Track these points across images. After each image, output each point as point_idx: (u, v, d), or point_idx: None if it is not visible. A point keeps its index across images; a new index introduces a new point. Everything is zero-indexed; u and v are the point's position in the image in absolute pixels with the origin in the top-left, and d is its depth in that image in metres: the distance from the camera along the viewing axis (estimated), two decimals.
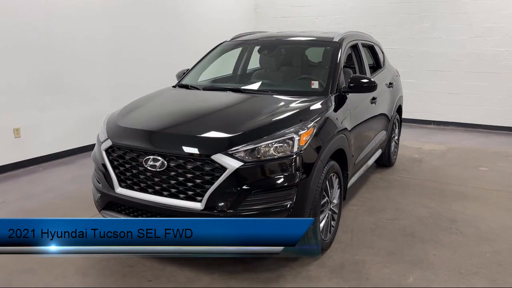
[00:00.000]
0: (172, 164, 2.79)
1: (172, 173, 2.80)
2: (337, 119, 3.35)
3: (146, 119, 3.22)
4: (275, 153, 2.77)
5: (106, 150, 3.06)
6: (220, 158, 2.69)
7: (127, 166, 2.95)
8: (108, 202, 3.09)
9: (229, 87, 3.80)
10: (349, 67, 4.29)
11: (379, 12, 8.55)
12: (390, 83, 5.20)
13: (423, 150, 6.48)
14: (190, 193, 2.76)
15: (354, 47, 4.47)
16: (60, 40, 5.57)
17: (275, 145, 2.78)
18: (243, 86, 3.87)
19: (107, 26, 6.17)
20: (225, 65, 4.77)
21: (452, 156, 6.15)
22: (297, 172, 2.81)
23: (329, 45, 4.05)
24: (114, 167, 3.02)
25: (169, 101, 3.63)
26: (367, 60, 4.58)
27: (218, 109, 3.42)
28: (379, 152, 5.01)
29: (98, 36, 6.06)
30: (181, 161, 2.77)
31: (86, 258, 3.18)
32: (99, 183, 3.15)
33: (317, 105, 3.28)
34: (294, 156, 2.81)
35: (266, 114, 3.08)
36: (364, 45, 4.91)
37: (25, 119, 5.34)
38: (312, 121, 3.03)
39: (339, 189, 3.46)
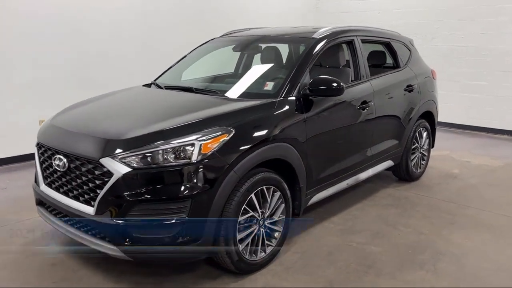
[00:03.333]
0: (72, 165, 2.70)
1: (72, 175, 2.71)
2: (277, 125, 2.96)
3: (73, 118, 3.18)
4: (172, 161, 2.52)
5: (36, 146, 3.08)
6: (108, 162, 2.52)
7: (46, 164, 2.94)
8: (37, 199, 3.12)
9: (184, 86, 3.59)
10: (336, 68, 3.81)
11: (446, 5, 7.53)
12: (409, 86, 4.51)
13: (469, 165, 5.54)
14: (86, 196, 2.65)
15: (350, 44, 3.95)
16: (91, 35, 5.83)
17: (173, 151, 2.53)
18: (202, 85, 3.62)
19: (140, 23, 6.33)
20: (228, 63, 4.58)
21: (502, 175, 5.15)
22: (194, 183, 2.52)
23: (304, 42, 3.61)
24: (40, 164, 3.03)
25: (113, 101, 3.54)
26: (363, 59, 4.00)
27: (145, 109, 3.25)
28: (386, 164, 4.38)
29: (128, 33, 6.24)
30: (78, 162, 2.67)
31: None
32: (35, 179, 3.19)
33: (249, 109, 2.94)
34: (194, 164, 2.52)
35: (182, 116, 2.82)
36: (371, 41, 4.33)
37: (51, 112, 5.69)
38: (229, 126, 2.70)
39: (283, 204, 3.06)
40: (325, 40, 3.64)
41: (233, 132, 2.68)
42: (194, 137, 2.57)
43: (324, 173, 3.50)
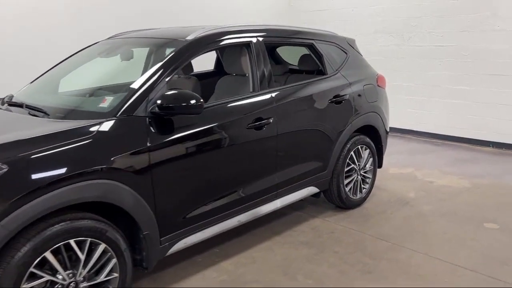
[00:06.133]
0: None
1: None
2: (93, 156, 2.24)
3: None
4: None
5: None
6: None
7: None
8: None
9: (16, 102, 2.89)
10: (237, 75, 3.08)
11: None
12: (337, 96, 3.72)
13: (430, 187, 4.69)
14: None
15: (247, 47, 3.21)
16: None
17: None
18: (38, 100, 2.87)
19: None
20: None
21: (463, 200, 4.29)
22: None
23: (173, 46, 2.89)
24: None
25: None
26: (265, 65, 3.24)
27: None
28: (305, 191, 3.61)
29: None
30: None
31: None
32: None
33: (52, 135, 2.22)
34: None
35: None
36: (282, 44, 3.59)
37: None
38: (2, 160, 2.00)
39: (114, 260, 2.35)
40: (202, 43, 2.92)
41: (5, 169, 1.97)
42: None
43: (194, 212, 2.76)
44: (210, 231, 2.89)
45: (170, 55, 2.74)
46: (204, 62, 4.38)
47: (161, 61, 2.71)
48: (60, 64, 3.47)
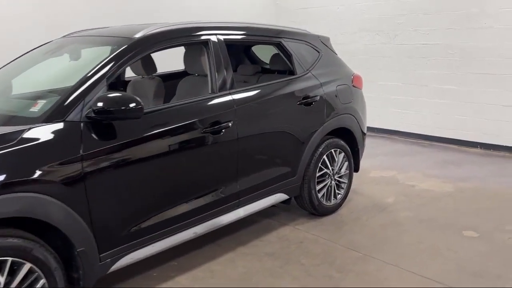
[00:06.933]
0: None
1: None
2: (5, 167, 2.01)
3: None
4: None
5: None
6: None
7: None
8: None
9: None
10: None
11: None
12: (306, 97, 3.51)
13: (411, 191, 4.48)
14: None
15: (205, 45, 3.00)
16: None
17: None
18: None
19: None
20: None
21: (444, 206, 4.07)
22: None
23: (118, 45, 2.67)
24: None
25: None
26: (225, 65, 3.03)
27: None
28: (273, 198, 3.40)
29: None
30: None
31: None
32: None
33: None
34: None
35: None
36: (245, 42, 3.39)
37: None
38: None
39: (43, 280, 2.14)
40: (150, 42, 2.71)
41: None
42: None
43: (141, 224, 2.55)
44: (161, 244, 2.68)
45: (112, 55, 2.53)
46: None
47: (102, 61, 2.49)
48: (11, 64, 3.26)
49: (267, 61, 4.33)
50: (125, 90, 3.83)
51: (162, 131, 2.56)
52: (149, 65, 3.56)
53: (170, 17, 6.36)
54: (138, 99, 2.30)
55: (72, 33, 3.43)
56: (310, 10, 7.84)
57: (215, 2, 7.29)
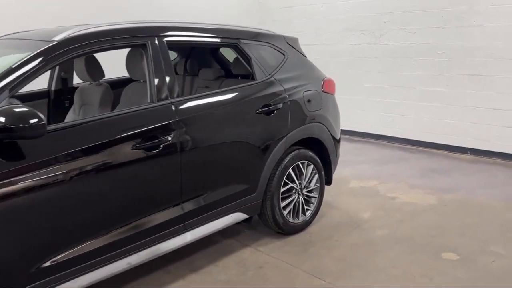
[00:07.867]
0: None
1: None
2: None
3: None
4: None
5: None
6: None
7: None
8: None
9: None
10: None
11: None
12: (266, 106, 3.15)
13: (391, 204, 4.12)
14: None
15: (143, 48, 2.65)
16: None
17: None
18: None
19: None
20: None
21: (425, 222, 3.71)
22: None
23: (33, 49, 2.31)
24: None
25: None
26: (167, 71, 2.67)
27: None
28: (228, 219, 3.05)
29: None
30: None
31: None
32: None
33: None
34: None
35: None
36: (193, 44, 3.05)
37: None
38: None
39: None
40: (71, 45, 2.35)
41: None
42: None
43: (57, 258, 2.20)
44: (84, 279, 2.32)
45: (20, 61, 2.17)
46: None
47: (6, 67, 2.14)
48: None
49: None
50: (72, 97, 3.50)
51: (79, 150, 2.20)
52: (95, 70, 3.21)
53: (146, 16, 6.11)
54: (39, 114, 1.94)
55: (3, 36, 3.08)
56: (294, 8, 7.49)
57: (196, 1, 6.96)
